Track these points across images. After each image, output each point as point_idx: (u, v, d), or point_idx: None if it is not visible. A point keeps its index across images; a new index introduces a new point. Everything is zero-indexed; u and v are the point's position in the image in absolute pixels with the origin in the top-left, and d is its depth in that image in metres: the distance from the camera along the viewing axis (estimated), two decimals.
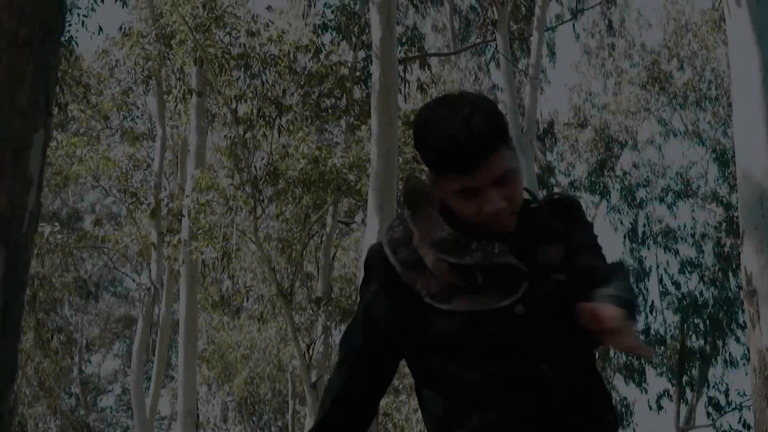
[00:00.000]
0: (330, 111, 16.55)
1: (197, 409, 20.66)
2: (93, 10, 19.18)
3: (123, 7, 18.72)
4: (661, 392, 26.40)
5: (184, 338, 16.70)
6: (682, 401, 26.26)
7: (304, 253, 17.48)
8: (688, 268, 26.60)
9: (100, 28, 19.51)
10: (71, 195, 29.99)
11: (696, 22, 27.51)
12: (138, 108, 22.36)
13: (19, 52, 3.73)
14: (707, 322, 25.78)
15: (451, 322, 2.27)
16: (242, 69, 15.67)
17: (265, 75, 15.64)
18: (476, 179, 2.25)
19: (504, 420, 2.22)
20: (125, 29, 18.43)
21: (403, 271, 2.33)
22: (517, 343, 2.25)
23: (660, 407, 26.22)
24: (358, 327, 2.42)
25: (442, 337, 2.28)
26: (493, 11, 13.79)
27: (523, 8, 18.50)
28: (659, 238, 26.97)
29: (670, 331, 26.38)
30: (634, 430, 27.31)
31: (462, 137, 2.22)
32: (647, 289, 26.67)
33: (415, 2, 21.96)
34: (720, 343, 25.85)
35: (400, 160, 15.65)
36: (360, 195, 15.73)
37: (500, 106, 20.84)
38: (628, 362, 25.79)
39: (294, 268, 16.80)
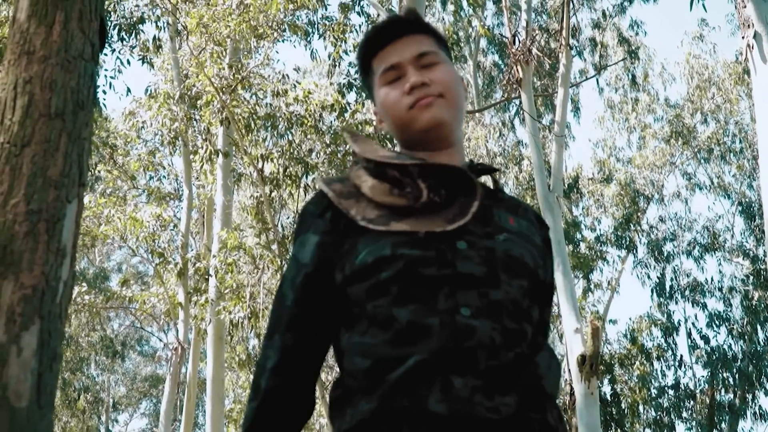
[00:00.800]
0: None
1: None
2: (120, 71, 19.42)
3: (150, 69, 18.89)
4: None
5: (211, 397, 16.65)
6: None
7: None
8: (717, 322, 26.37)
9: (128, 90, 19.73)
10: (98, 255, 30.11)
11: (720, 76, 27.53)
12: (164, 168, 22.50)
13: (52, 123, 3.78)
14: (736, 375, 25.55)
15: (382, 244, 2.05)
16: (268, 129, 15.75)
17: (291, 134, 15.72)
18: (396, 52, 2.25)
19: (422, 364, 1.94)
20: (152, 90, 18.59)
21: (337, 198, 2.16)
22: (447, 279, 2.00)
23: None
24: (287, 284, 2.17)
25: (368, 264, 2.05)
26: (517, 70, 13.85)
27: (547, 65, 18.57)
28: (687, 292, 26.80)
29: (700, 385, 26.13)
30: None
31: (388, 19, 2.32)
32: (676, 344, 26.44)
33: None
34: (749, 396, 25.60)
35: None
36: None
37: (525, 163, 20.70)
38: (658, 417, 25.57)
39: None
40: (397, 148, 2.34)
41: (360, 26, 18.34)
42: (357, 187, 2.19)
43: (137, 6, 17.86)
